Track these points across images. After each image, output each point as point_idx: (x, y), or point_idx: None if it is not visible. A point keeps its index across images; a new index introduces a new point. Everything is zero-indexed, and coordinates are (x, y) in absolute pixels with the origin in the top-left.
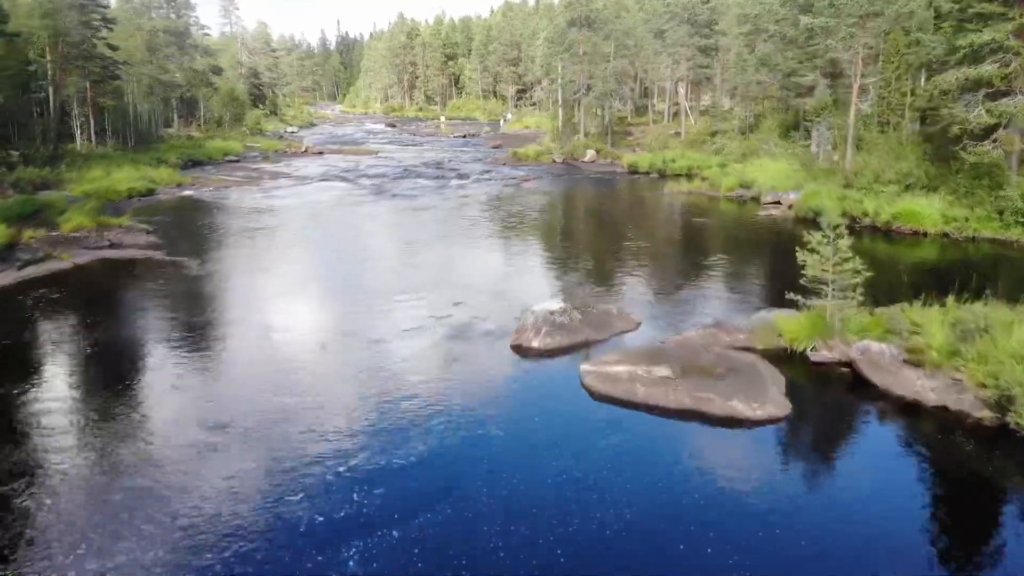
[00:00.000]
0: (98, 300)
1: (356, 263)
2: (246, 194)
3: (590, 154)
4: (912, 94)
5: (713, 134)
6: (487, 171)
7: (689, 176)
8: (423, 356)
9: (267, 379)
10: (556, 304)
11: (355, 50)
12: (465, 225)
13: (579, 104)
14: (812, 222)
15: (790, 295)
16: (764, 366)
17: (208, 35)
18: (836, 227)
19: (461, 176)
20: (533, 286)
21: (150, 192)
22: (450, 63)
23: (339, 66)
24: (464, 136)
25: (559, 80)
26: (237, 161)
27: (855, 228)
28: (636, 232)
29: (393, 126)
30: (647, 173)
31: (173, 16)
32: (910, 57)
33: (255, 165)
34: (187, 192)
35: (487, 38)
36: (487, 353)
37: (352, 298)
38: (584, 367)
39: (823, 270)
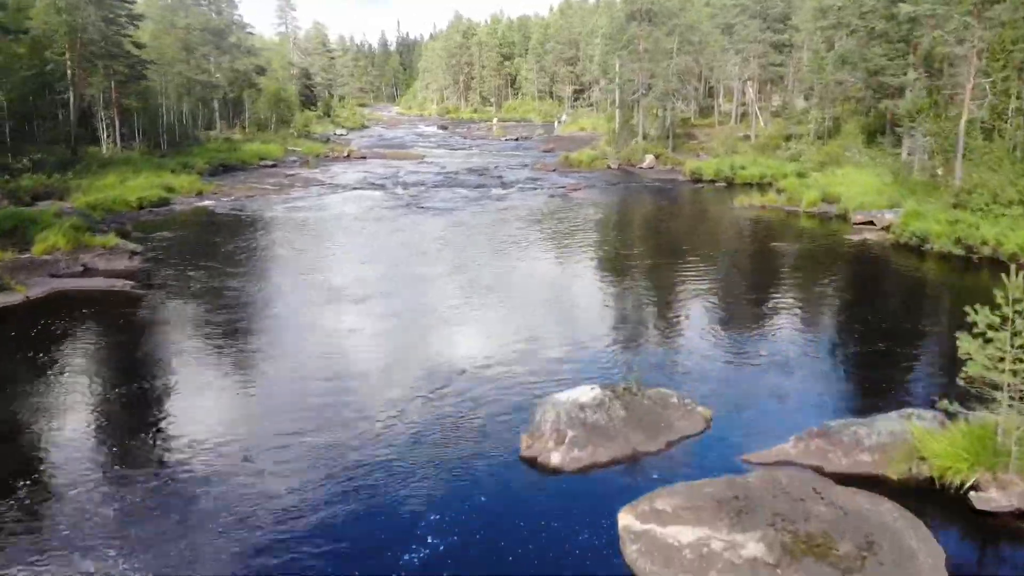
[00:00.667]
0: (13, 363)
1: (347, 308)
2: (268, 205)
3: (649, 159)
4: (1018, 97)
5: (787, 138)
6: (534, 179)
7: (761, 186)
8: (381, 475)
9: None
10: (589, 392)
11: (415, 51)
12: (493, 250)
13: (638, 105)
14: (917, 250)
15: (936, 397)
16: (909, 525)
17: (252, 33)
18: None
19: (504, 184)
20: (563, 345)
21: (164, 202)
22: (506, 63)
23: (398, 67)
24: (516, 139)
25: (616, 79)
26: (272, 166)
27: (971, 260)
28: (700, 261)
29: (445, 128)
30: (712, 182)
31: (213, 14)
32: (1017, 55)
33: (290, 171)
34: (205, 202)
35: (544, 36)
36: (484, 469)
37: (324, 369)
38: (626, 520)
39: (997, 367)
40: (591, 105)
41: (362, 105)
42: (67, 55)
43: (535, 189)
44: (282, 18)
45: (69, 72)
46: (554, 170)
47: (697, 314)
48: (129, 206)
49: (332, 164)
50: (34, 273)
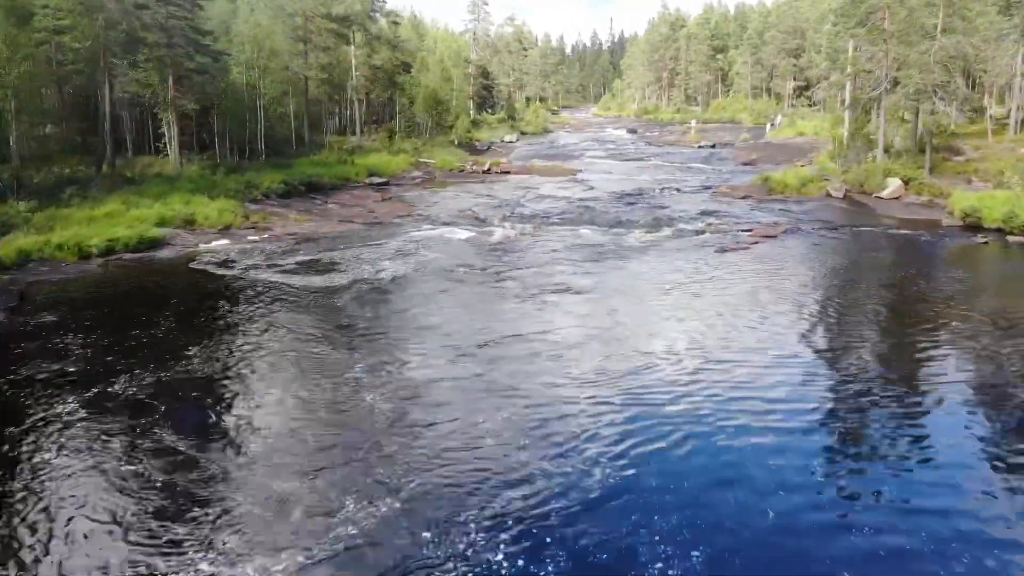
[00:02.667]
0: None
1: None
2: (293, 252)
3: (892, 186)
4: None
5: None
6: (708, 213)
7: None
8: None
9: None
10: None
11: (626, 50)
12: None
13: (877, 105)
14: None
15: None
16: None
17: (398, 23)
18: None
19: (655, 223)
20: None
21: (152, 243)
22: (718, 56)
23: (608, 67)
24: (712, 145)
25: (848, 69)
26: (384, 184)
27: None
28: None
29: (634, 132)
30: (1001, 231)
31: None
32: None
33: (391, 193)
34: (219, 242)
35: (763, 26)
36: None
37: None
38: None
39: None
40: (814, 104)
41: (565, 107)
42: (91, 44)
43: (700, 237)
44: (474, 12)
45: (103, 67)
46: (745, 197)
47: None
48: (84, 251)
49: (459, 182)
50: None
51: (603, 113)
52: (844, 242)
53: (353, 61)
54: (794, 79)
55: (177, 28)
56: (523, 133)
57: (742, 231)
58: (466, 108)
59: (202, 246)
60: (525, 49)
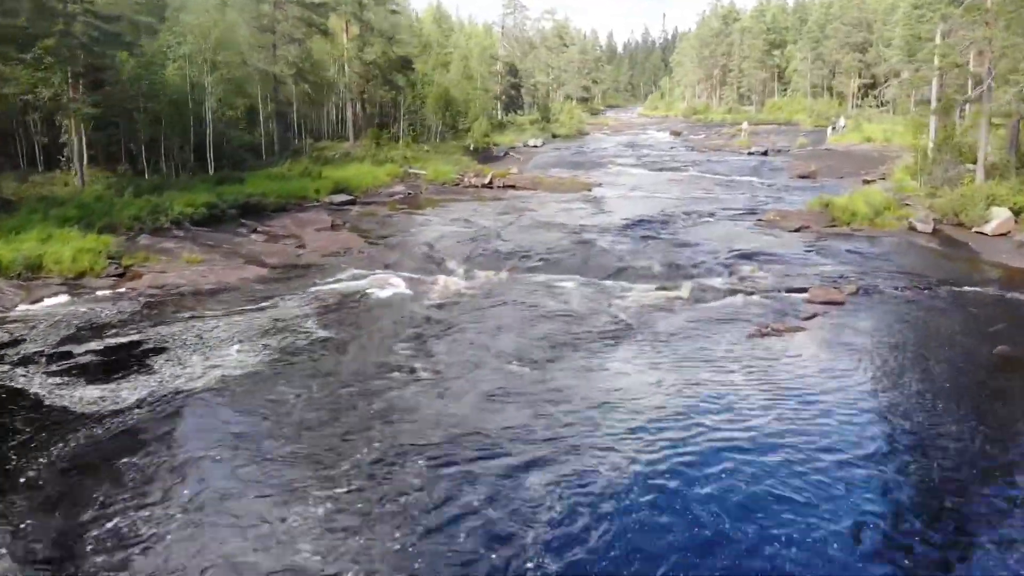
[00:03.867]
0: None
1: None
2: (122, 327)
3: (999, 219)
4: None
5: None
6: (747, 256)
7: None
8: None
9: None
10: None
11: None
12: None
13: (966, 107)
14: None
15: None
16: None
17: (396, 11)
18: None
19: (667, 274)
20: None
21: None
22: (774, 52)
23: (659, 64)
24: (763, 152)
25: (936, 61)
26: (346, 204)
27: None
28: None
29: (677, 135)
30: None
31: None
32: None
33: (338, 218)
34: (44, 302)
35: (825, 18)
36: None
37: None
38: None
39: None
40: (882, 105)
41: (613, 106)
42: None
43: (725, 297)
44: (509, 5)
45: None
46: (799, 229)
47: None
48: None
49: (445, 200)
50: None
51: (649, 113)
52: (947, 316)
53: (345, 55)
54: (859, 76)
55: (76, 14)
56: (554, 136)
57: (792, 291)
58: (487, 109)
59: (19, 308)
60: (565, 45)
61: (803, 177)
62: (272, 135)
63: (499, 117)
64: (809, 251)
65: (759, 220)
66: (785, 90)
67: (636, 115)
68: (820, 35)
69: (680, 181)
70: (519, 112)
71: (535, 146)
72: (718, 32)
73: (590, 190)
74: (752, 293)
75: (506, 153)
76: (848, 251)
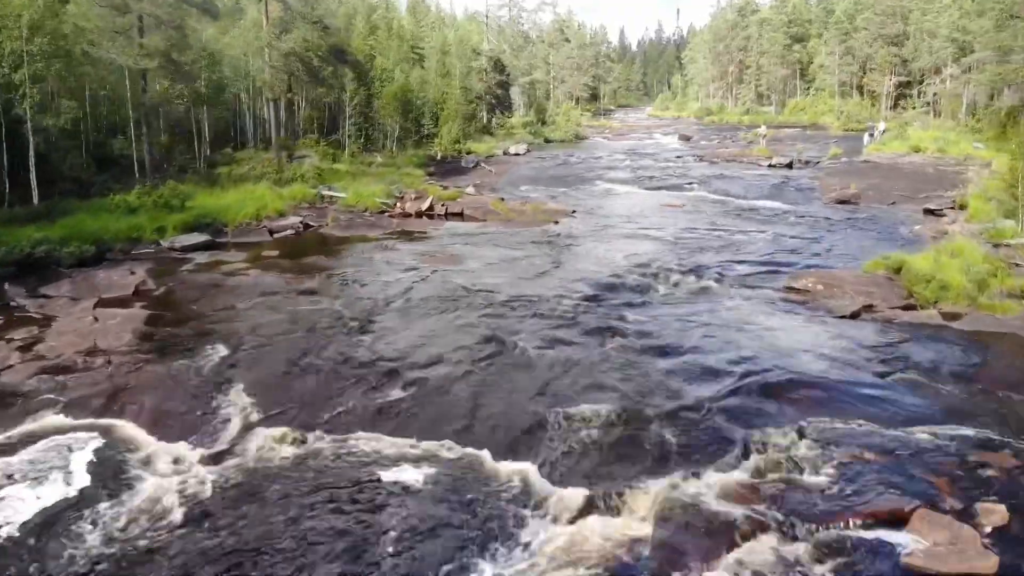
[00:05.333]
0: None
1: None
2: None
3: None
4: None
5: None
6: (768, 392)
7: None
8: None
9: None
10: None
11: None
12: None
13: None
14: None
15: None
16: None
17: None
18: None
19: (621, 433)
20: None
21: None
22: (795, 47)
23: (673, 62)
24: (788, 164)
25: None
26: (198, 247)
27: None
28: None
29: (687, 139)
30: None
31: None
32: None
33: (146, 277)
34: None
35: (855, 7)
36: None
37: None
38: None
39: None
40: (926, 106)
41: (624, 106)
42: None
43: (742, 541)
44: None
45: None
46: (855, 315)
47: None
48: None
49: (345, 242)
50: None
51: (660, 114)
52: None
53: (264, 43)
54: (893, 74)
55: None
56: (547, 141)
57: (876, 519)
58: (466, 111)
59: None
60: (567, 40)
61: (842, 203)
62: (173, 147)
63: (484, 119)
64: (882, 374)
65: (789, 290)
66: (808, 89)
67: (645, 116)
68: (849, 27)
69: (679, 208)
70: (507, 114)
71: (516, 154)
72: (734, 25)
73: (556, 222)
74: (793, 531)
75: (477, 164)
76: (952, 375)
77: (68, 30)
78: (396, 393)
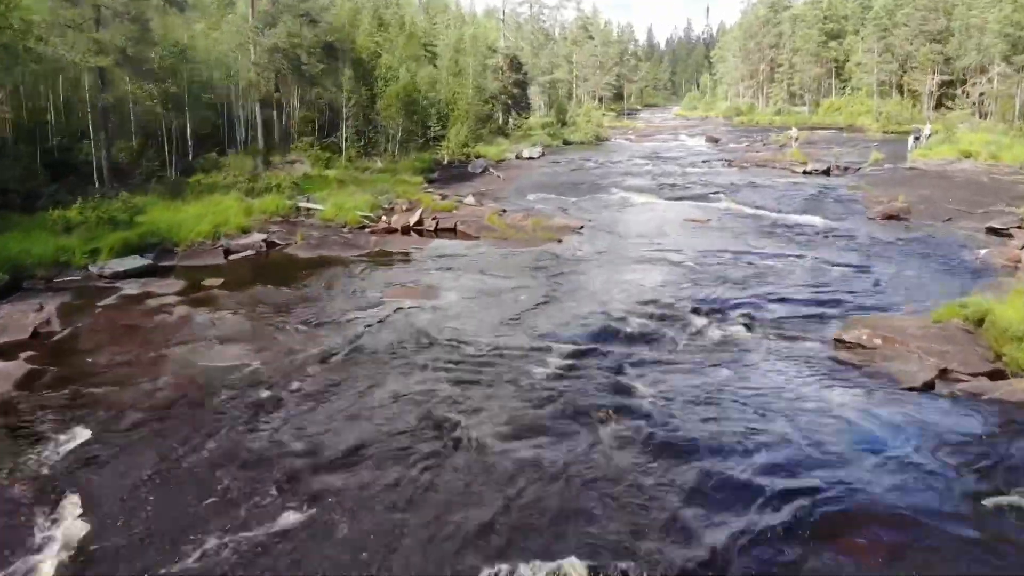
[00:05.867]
0: None
1: None
2: None
3: None
4: None
5: None
6: (822, 515)
7: None
8: None
9: None
10: None
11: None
12: None
13: None
14: None
15: None
16: None
17: None
18: None
19: None
20: None
21: None
22: (831, 44)
23: (702, 61)
24: (825, 170)
25: None
26: (133, 273)
27: None
28: None
29: (715, 142)
30: None
31: None
32: None
33: (48, 317)
34: None
35: (894, 3)
36: None
37: None
38: None
39: None
40: (972, 107)
41: (651, 106)
42: None
43: None
44: None
45: None
46: (928, 386)
47: None
48: None
49: (313, 265)
50: None
51: (687, 114)
52: None
53: (250, 44)
54: (935, 72)
55: None
56: (566, 142)
57: None
58: (480, 111)
59: None
60: (591, 37)
61: (890, 217)
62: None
63: (499, 120)
64: (977, 495)
65: (839, 344)
66: (844, 88)
67: (672, 116)
68: (888, 22)
69: (704, 224)
70: (524, 114)
71: (529, 158)
72: (766, 21)
73: (559, 241)
74: None
75: (485, 169)
76: None
77: (15, 23)
78: (286, 519)
